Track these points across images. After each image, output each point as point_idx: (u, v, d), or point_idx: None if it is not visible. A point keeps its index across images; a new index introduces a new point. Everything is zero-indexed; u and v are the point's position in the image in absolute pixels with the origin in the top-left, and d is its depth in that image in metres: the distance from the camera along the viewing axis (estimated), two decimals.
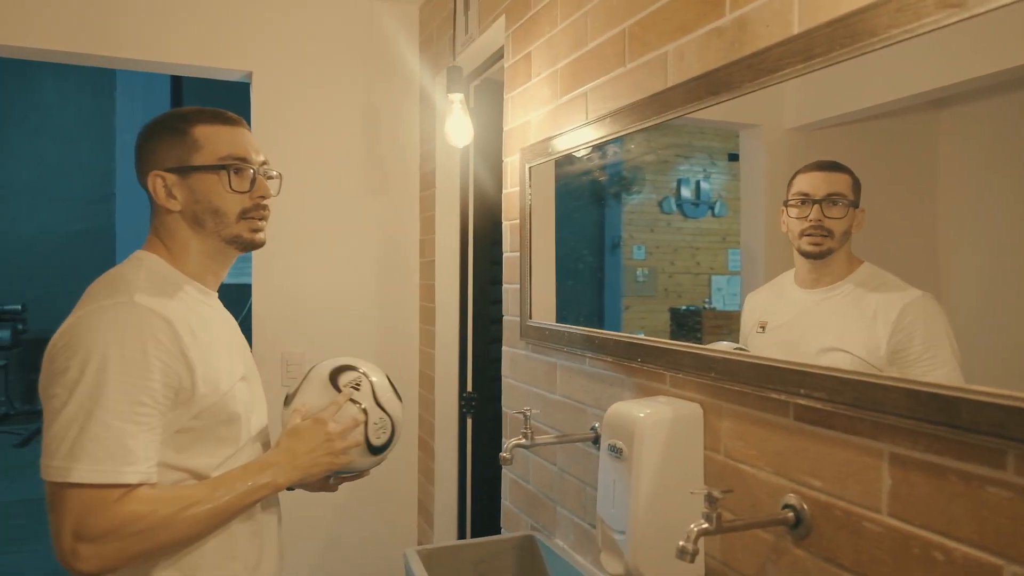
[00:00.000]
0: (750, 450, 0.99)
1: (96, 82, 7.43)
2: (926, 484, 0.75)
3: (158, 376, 0.94)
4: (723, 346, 1.09)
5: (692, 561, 0.83)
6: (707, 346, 1.08)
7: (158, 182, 1.05)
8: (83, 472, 0.88)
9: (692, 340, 1.31)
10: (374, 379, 1.19)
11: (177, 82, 7.17)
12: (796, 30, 0.90)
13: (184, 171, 1.05)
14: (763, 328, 1.07)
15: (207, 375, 0.99)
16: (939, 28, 0.71)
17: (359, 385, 1.16)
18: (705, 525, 0.85)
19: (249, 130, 1.12)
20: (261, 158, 1.11)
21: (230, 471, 1.03)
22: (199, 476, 1.01)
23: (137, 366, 0.92)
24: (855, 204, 0.90)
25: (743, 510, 0.99)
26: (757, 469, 0.97)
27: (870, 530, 0.81)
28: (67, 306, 1.00)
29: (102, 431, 0.89)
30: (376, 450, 1.16)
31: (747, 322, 1.09)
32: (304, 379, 1.20)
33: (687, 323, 1.31)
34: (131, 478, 0.91)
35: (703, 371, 1.06)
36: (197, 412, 0.99)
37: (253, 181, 1.08)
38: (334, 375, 1.17)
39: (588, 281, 1.61)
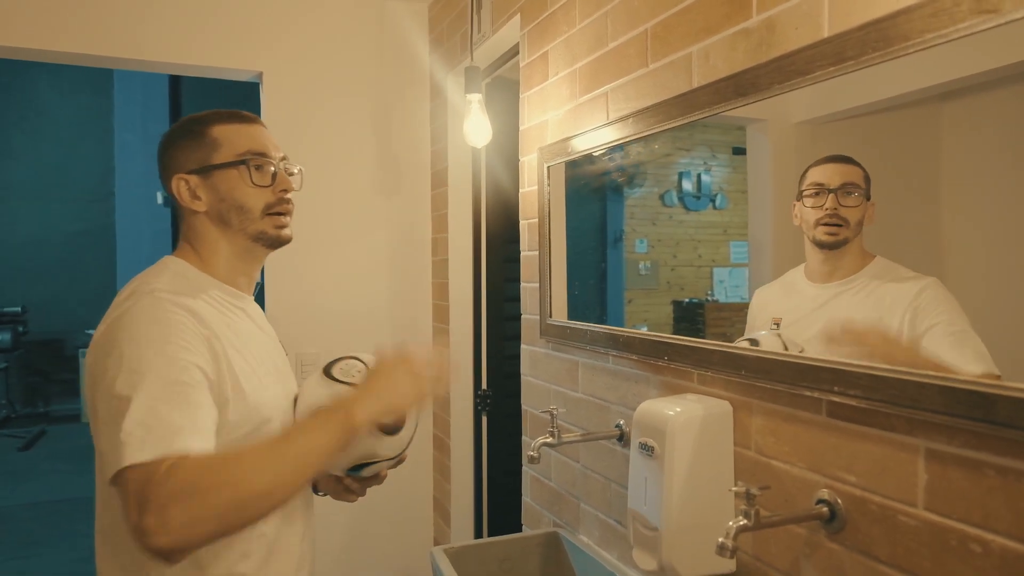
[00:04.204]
0: (782, 446, 1.01)
1: (93, 81, 7.38)
2: (963, 479, 0.76)
3: (190, 357, 0.93)
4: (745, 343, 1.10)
5: (732, 557, 0.85)
6: (737, 344, 1.10)
7: (181, 185, 1.07)
8: (133, 453, 0.85)
9: (694, 332, 1.32)
10: (371, 360, 1.11)
11: (175, 80, 7.13)
12: (826, 33, 0.91)
13: (206, 171, 1.06)
14: (777, 325, 1.08)
15: (233, 374, 0.99)
16: (974, 33, 0.72)
17: (357, 371, 1.10)
18: (744, 522, 0.87)
19: (266, 128, 1.13)
20: (281, 154, 1.12)
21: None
22: None
23: (167, 348, 0.92)
24: (867, 196, 0.92)
25: (776, 505, 1.01)
26: (790, 465, 0.99)
27: (906, 524, 0.83)
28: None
29: (144, 415, 0.87)
30: (389, 431, 1.07)
31: (757, 318, 1.11)
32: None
33: (689, 316, 1.32)
34: (182, 445, 0.87)
35: (733, 369, 1.07)
36: (225, 415, 0.97)
37: (274, 175, 1.09)
38: (328, 368, 1.12)
39: (592, 275, 1.62)
